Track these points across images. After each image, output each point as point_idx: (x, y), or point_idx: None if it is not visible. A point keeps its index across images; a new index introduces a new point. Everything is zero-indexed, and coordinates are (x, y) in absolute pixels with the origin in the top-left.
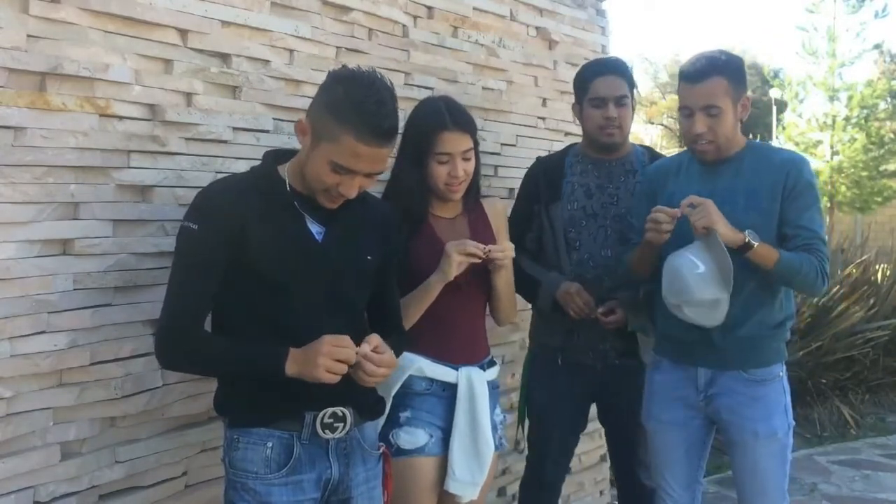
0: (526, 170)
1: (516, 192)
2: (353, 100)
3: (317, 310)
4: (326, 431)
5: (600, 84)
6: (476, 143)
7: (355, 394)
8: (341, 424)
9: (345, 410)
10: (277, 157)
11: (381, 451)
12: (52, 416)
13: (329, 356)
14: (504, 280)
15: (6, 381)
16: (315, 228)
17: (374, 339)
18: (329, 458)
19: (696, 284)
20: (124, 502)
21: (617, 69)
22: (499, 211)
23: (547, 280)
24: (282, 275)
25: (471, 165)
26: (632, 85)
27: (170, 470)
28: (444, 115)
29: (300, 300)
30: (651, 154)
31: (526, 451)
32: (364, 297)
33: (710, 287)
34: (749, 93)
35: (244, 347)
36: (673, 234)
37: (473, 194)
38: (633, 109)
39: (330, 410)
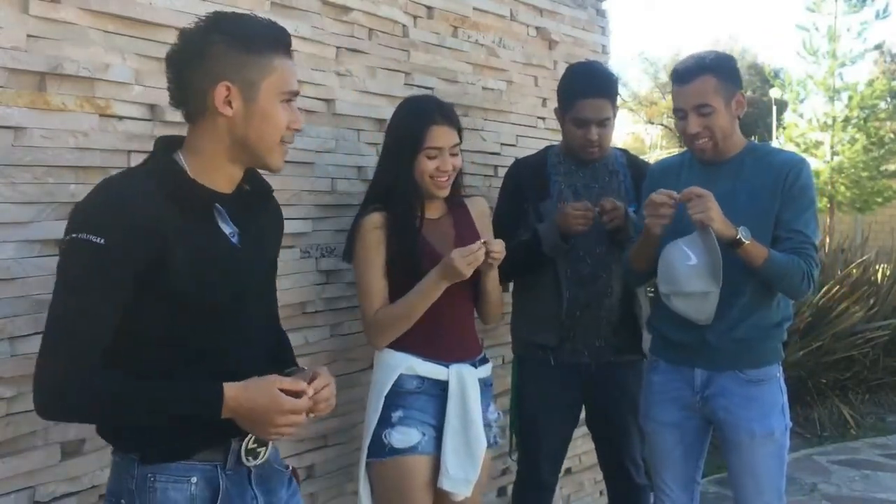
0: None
1: None
2: (249, 28)
3: (245, 327)
4: (249, 458)
5: (585, 106)
6: (461, 140)
7: None
8: (263, 448)
9: None
10: (173, 146)
11: (289, 469)
12: None
13: (288, 418)
14: (492, 280)
15: (6, 381)
16: (228, 229)
17: (323, 379)
18: (253, 488)
19: (686, 275)
20: None
21: (602, 91)
22: (483, 211)
23: (540, 227)
24: (210, 293)
25: (458, 161)
26: (616, 99)
27: None
28: (433, 110)
29: (228, 318)
30: (628, 156)
31: (516, 455)
32: (275, 303)
33: (700, 280)
34: (746, 91)
35: (169, 386)
36: (674, 225)
37: (456, 192)
38: (615, 115)
39: (254, 435)
